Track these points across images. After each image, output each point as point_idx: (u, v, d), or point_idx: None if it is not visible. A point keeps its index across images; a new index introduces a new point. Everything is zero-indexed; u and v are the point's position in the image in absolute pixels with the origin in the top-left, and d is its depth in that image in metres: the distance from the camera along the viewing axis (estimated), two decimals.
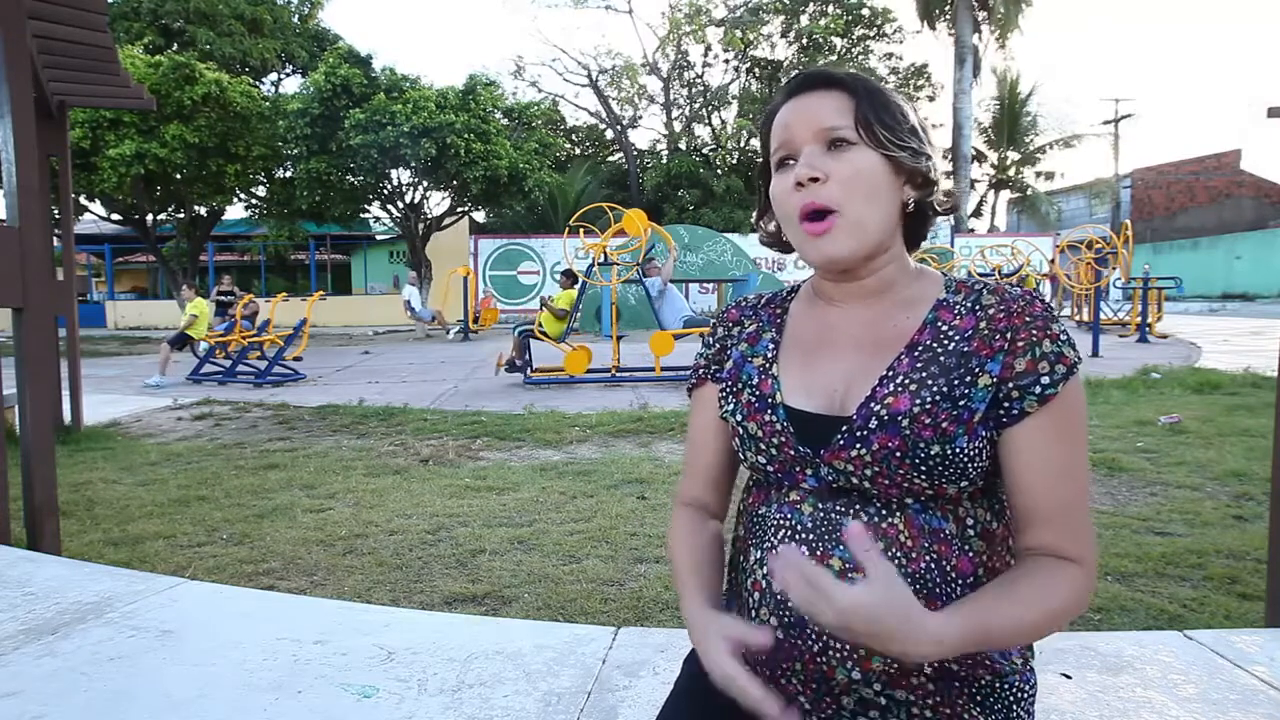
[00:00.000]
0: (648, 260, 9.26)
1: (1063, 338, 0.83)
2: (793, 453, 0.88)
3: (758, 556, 0.91)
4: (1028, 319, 0.84)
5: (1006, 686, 0.87)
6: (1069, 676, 1.84)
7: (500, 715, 1.73)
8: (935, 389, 0.83)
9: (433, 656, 2.00)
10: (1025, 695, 0.88)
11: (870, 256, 0.89)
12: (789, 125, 0.90)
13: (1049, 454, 0.82)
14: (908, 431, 0.82)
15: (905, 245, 0.94)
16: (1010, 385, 0.83)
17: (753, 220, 1.00)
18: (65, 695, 1.80)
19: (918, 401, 0.83)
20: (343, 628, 2.17)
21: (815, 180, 0.86)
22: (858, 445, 0.84)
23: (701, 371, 1.04)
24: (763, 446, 0.91)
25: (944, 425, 0.82)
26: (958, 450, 0.82)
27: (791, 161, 0.89)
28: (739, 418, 0.94)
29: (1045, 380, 0.82)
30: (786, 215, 0.90)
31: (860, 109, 0.87)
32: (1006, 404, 0.83)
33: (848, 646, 0.83)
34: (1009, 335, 0.84)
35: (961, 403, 0.82)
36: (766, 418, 0.91)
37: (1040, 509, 0.83)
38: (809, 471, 0.88)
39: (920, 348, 0.87)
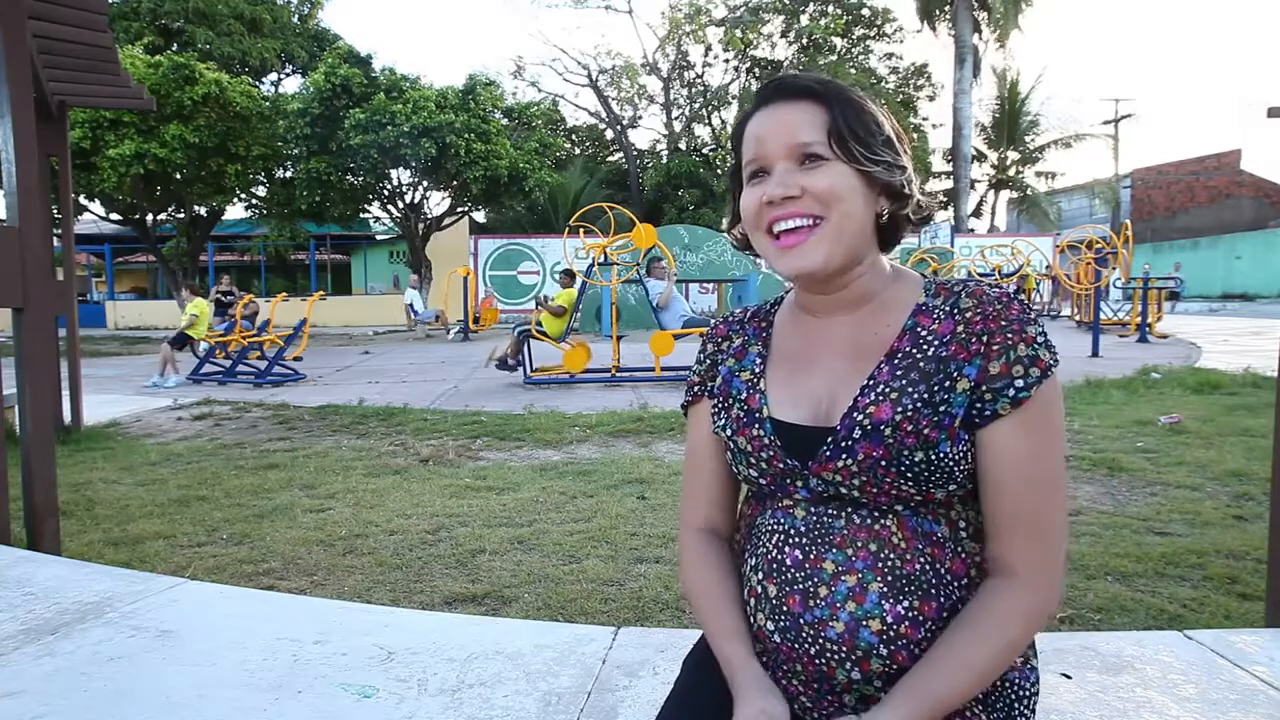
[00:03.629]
0: (650, 260, 9.25)
1: (1039, 340, 0.83)
2: (782, 466, 0.89)
3: (753, 564, 0.92)
4: (1003, 322, 0.83)
5: (1007, 685, 0.87)
6: (1069, 676, 1.84)
7: (500, 715, 1.72)
8: (916, 396, 0.83)
9: (433, 656, 2.00)
10: (1027, 693, 0.89)
11: (844, 269, 0.89)
12: (762, 139, 0.88)
13: (1019, 456, 0.82)
14: (891, 440, 0.82)
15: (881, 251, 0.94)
16: (984, 388, 0.82)
17: (724, 227, 0.99)
18: (65, 695, 1.80)
19: (899, 409, 0.83)
20: (343, 628, 2.17)
21: (790, 199, 0.86)
22: (843, 456, 0.84)
23: (696, 389, 1.03)
24: (753, 460, 0.91)
25: (926, 431, 0.82)
26: (942, 455, 0.82)
27: (763, 174, 0.89)
28: (729, 432, 0.94)
29: (1019, 383, 0.82)
30: (755, 228, 0.90)
31: (834, 122, 0.85)
32: (979, 405, 0.83)
33: (845, 649, 0.83)
34: (984, 338, 0.83)
35: (942, 408, 0.83)
36: (754, 432, 0.91)
37: (1002, 516, 0.84)
38: (799, 484, 0.89)
39: (900, 355, 0.87)
